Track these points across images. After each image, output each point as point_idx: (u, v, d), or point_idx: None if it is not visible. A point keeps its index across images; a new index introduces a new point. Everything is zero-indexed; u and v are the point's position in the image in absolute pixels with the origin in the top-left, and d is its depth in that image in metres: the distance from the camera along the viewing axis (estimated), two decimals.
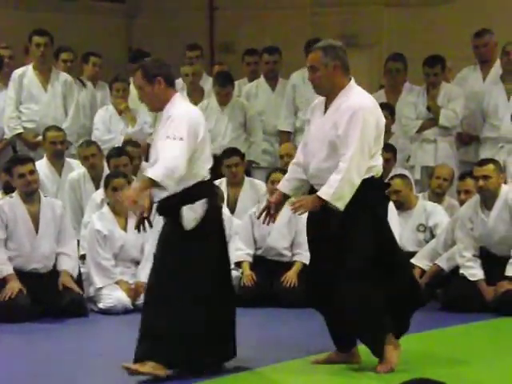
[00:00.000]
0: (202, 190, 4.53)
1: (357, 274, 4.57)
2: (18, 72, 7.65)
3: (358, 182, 4.55)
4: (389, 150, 7.48)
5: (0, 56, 7.93)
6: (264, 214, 4.84)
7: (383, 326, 4.66)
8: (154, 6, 10.68)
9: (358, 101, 4.62)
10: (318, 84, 4.65)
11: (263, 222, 4.88)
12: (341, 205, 4.54)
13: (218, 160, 7.63)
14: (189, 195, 4.48)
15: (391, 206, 6.68)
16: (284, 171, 7.07)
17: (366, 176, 4.60)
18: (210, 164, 4.61)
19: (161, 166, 4.39)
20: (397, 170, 7.36)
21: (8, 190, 6.48)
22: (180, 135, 4.41)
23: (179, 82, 8.32)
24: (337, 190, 4.52)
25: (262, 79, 8.21)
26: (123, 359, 4.57)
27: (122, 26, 10.97)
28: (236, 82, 8.23)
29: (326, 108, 4.68)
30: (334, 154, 4.60)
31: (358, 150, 4.54)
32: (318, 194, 4.56)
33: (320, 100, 4.78)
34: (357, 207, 4.56)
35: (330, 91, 4.64)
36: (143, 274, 6.47)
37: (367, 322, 4.63)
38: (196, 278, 4.51)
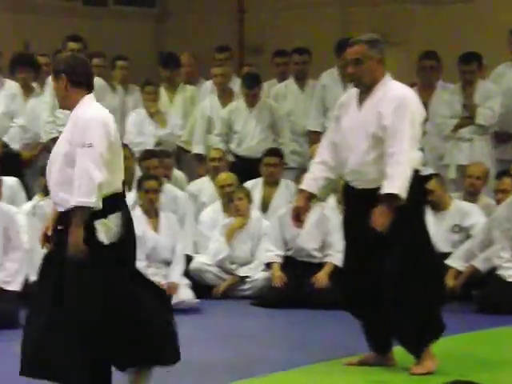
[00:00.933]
0: (116, 203, 4.08)
1: (411, 274, 4.52)
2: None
3: (410, 174, 4.50)
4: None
5: (38, 63, 8.02)
6: (294, 219, 4.79)
7: (440, 326, 4.63)
8: (184, 10, 10.71)
9: (402, 91, 4.61)
10: (360, 77, 4.61)
11: (295, 226, 4.82)
12: (404, 198, 4.45)
13: (247, 161, 7.71)
14: (103, 208, 4.02)
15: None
16: None
17: None
18: (122, 175, 4.11)
19: (81, 185, 3.96)
20: (426, 169, 7.29)
21: (47, 192, 6.49)
22: (89, 141, 3.96)
23: (209, 83, 8.35)
24: (401, 183, 4.44)
25: (291, 80, 8.20)
26: None
27: (152, 30, 11.01)
28: (265, 83, 8.22)
29: (361, 102, 4.63)
30: (377, 146, 4.55)
31: (409, 141, 4.49)
32: (387, 191, 4.42)
33: (349, 95, 4.75)
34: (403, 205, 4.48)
35: (370, 85, 4.60)
36: (175, 274, 6.51)
37: (421, 322, 4.58)
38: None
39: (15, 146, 7.61)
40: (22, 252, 6.03)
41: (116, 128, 4.14)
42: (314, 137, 7.91)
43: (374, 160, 4.55)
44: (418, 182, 4.65)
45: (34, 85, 7.99)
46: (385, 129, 4.51)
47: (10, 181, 7.01)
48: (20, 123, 7.65)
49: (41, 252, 6.02)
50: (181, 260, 6.63)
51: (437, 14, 9.50)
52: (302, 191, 4.82)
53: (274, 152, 7.34)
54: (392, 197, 4.45)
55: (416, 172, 4.60)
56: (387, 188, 4.44)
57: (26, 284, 6.06)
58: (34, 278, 6.10)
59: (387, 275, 4.52)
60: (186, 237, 6.92)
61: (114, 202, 4.07)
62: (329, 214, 6.85)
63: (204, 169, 7.76)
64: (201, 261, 6.98)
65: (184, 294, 6.46)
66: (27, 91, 7.81)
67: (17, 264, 5.98)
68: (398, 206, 4.46)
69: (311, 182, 4.79)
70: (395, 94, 4.56)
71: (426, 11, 9.58)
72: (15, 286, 5.95)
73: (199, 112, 8.00)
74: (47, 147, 7.73)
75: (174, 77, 8.18)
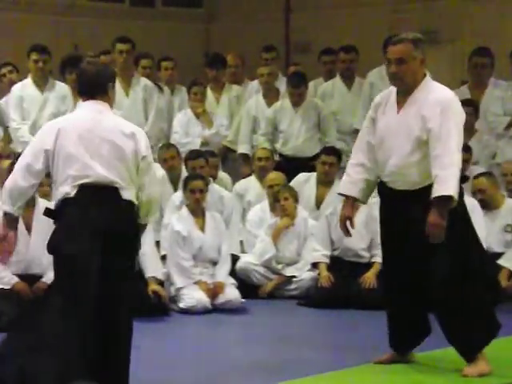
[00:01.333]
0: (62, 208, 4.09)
1: (461, 276, 4.47)
2: None
3: (459, 175, 4.46)
4: (467, 151, 7.30)
5: None
6: (343, 228, 4.74)
7: (494, 328, 4.57)
8: (232, 10, 10.73)
9: (446, 93, 4.56)
10: (402, 77, 4.53)
11: (344, 236, 4.78)
12: (457, 199, 4.42)
13: (293, 161, 7.67)
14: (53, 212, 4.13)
15: (476, 205, 6.53)
16: None
17: None
18: (75, 180, 4.06)
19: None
20: (477, 168, 7.17)
21: None
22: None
23: (255, 83, 8.34)
24: (453, 184, 4.39)
25: (337, 78, 8.15)
26: (204, 357, 4.63)
27: (200, 31, 11.06)
28: (312, 82, 8.18)
29: (400, 103, 4.58)
30: (419, 148, 4.49)
31: (455, 143, 4.45)
32: (440, 193, 4.36)
33: (384, 96, 4.67)
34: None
35: (411, 85, 4.55)
36: (221, 274, 6.51)
37: (474, 324, 4.52)
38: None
39: None
40: None
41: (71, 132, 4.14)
42: None
43: (416, 162, 4.49)
44: (460, 181, 4.57)
45: None
46: (430, 131, 4.46)
47: None
48: None
49: None
50: (227, 260, 6.63)
51: (489, 10, 9.36)
52: (346, 198, 4.73)
53: (333, 151, 7.27)
54: (444, 199, 4.39)
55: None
56: (439, 191, 4.38)
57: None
58: None
59: (436, 279, 4.46)
60: (232, 236, 6.92)
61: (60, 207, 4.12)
62: (376, 214, 6.77)
63: (249, 168, 7.76)
64: (247, 260, 6.97)
65: (230, 293, 6.45)
66: (77, 93, 7.88)
67: None
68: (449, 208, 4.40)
69: (350, 185, 4.71)
70: (439, 97, 4.50)
71: (478, 6, 9.43)
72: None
73: (245, 112, 7.99)
74: None
75: (220, 77, 8.19)
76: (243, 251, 7.14)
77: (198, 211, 6.62)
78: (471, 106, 7.59)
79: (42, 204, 5.98)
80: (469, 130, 7.65)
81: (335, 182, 7.20)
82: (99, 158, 4.06)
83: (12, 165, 6.16)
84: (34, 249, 5.92)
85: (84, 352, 3.95)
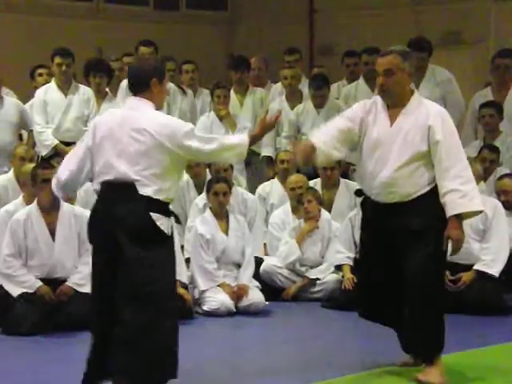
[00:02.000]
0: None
1: (433, 274, 4.50)
2: (126, 82, 7.85)
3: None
4: (494, 151, 7.25)
5: (111, 68, 8.16)
6: None
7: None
8: (255, 13, 10.74)
9: (438, 106, 4.59)
10: (390, 89, 4.51)
11: None
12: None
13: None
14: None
15: (499, 206, 6.48)
16: None
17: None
18: (99, 176, 4.18)
19: None
20: (502, 169, 7.13)
21: None
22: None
23: (278, 86, 8.33)
24: (479, 200, 4.49)
25: (361, 80, 8.12)
26: (227, 360, 4.66)
27: (224, 34, 11.07)
28: (335, 84, 8.15)
29: (393, 116, 4.53)
30: (417, 159, 4.49)
31: (464, 155, 4.52)
32: (470, 209, 4.45)
33: (372, 105, 4.61)
34: (435, 213, 4.47)
35: (400, 97, 4.52)
36: (245, 276, 6.51)
37: (442, 323, 4.55)
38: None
39: None
40: None
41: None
42: None
43: (409, 173, 4.48)
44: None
45: (107, 89, 8.12)
46: (437, 143, 4.45)
47: (85, 185, 7.11)
48: None
49: None
50: (251, 262, 6.63)
51: None
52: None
53: None
54: (469, 214, 4.48)
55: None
56: (469, 206, 4.43)
57: None
58: None
59: (411, 274, 4.47)
60: (255, 239, 6.92)
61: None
62: None
63: (273, 171, 7.75)
64: (271, 263, 6.97)
65: (254, 296, 6.45)
66: (100, 96, 7.94)
67: (90, 267, 6.04)
68: (427, 211, 4.45)
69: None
70: (438, 110, 4.52)
71: (501, 7, 9.37)
72: (89, 288, 6.00)
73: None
74: None
75: (243, 79, 8.19)
76: (266, 254, 7.15)
77: (221, 214, 6.62)
78: (495, 108, 7.55)
79: (66, 208, 6.04)
80: (493, 131, 7.62)
81: (340, 184, 7.23)
82: (124, 155, 4.12)
83: (35, 168, 6.22)
84: (58, 252, 5.94)
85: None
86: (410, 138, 4.48)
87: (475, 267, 6.41)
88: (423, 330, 4.52)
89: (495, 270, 6.38)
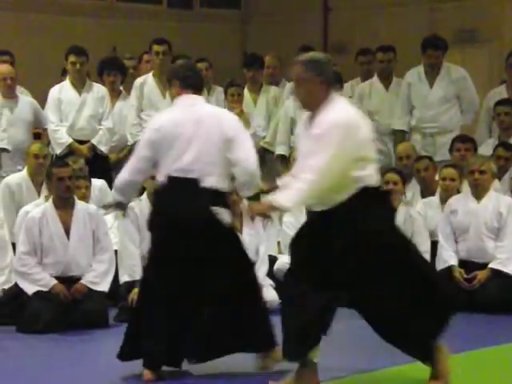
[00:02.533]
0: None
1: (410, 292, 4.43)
2: (139, 80, 7.91)
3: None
4: (509, 149, 7.22)
5: (125, 66, 8.18)
6: None
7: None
8: (269, 11, 10.74)
9: (335, 115, 4.31)
10: (300, 99, 4.44)
11: None
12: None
13: None
14: None
15: None
16: (399, 172, 6.96)
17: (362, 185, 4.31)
18: (165, 170, 4.63)
19: None
20: None
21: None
22: None
23: (292, 84, 8.29)
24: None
25: (375, 78, 8.11)
26: (240, 358, 4.67)
27: (237, 32, 11.08)
28: (349, 83, 8.12)
29: (310, 123, 4.42)
30: None
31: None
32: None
33: (307, 115, 4.51)
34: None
35: (313, 107, 4.38)
36: (259, 275, 6.49)
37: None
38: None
39: (103, 148, 7.75)
40: (109, 253, 6.11)
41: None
42: (400, 136, 7.82)
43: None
44: (381, 198, 4.44)
45: (121, 88, 8.13)
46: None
47: (99, 183, 7.15)
48: (107, 126, 7.78)
49: (130, 253, 6.15)
50: (264, 261, 6.62)
51: None
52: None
53: None
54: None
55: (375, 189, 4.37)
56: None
57: (115, 285, 6.16)
58: (124, 278, 6.22)
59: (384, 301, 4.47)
60: (269, 237, 6.91)
61: None
62: (414, 215, 6.74)
63: (287, 169, 7.73)
64: (285, 261, 6.94)
65: (268, 294, 6.43)
66: (114, 94, 7.96)
67: (105, 265, 6.06)
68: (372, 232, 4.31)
69: None
70: (328, 118, 4.28)
71: None
72: (104, 286, 6.04)
73: (282, 112, 7.97)
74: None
75: (257, 78, 8.18)
76: (280, 252, 7.14)
77: (235, 213, 6.62)
78: (510, 105, 7.52)
79: (80, 206, 6.05)
80: (508, 129, 7.59)
81: None
82: (188, 149, 4.50)
83: (50, 167, 6.23)
84: (73, 250, 5.95)
85: None
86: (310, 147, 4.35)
87: (490, 265, 6.39)
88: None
89: (510, 268, 6.36)
